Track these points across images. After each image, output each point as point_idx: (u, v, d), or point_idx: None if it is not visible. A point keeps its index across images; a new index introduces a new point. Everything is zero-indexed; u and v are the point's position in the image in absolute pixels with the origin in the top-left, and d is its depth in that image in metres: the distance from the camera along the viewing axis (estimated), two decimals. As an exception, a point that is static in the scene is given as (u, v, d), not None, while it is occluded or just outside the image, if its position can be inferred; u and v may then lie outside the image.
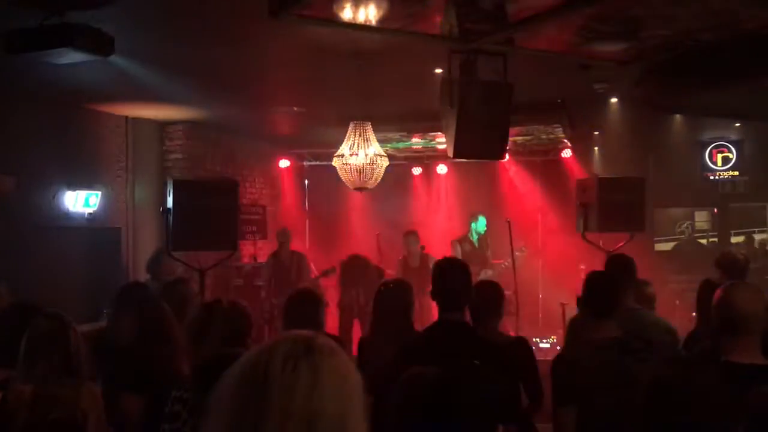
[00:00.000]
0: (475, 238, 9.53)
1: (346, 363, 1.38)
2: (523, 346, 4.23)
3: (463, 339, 3.47)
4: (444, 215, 11.88)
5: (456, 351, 3.32)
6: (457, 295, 3.52)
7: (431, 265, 8.43)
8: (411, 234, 9.33)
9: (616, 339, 3.57)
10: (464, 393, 2.19)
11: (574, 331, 4.14)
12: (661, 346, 3.89)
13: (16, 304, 3.74)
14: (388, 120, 8.78)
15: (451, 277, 3.55)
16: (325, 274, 9.17)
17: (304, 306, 4.05)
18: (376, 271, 8.72)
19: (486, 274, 8.87)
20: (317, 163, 11.69)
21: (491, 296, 4.36)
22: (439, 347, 3.33)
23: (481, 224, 9.57)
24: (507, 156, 9.20)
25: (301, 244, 9.99)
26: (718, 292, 2.95)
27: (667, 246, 11.99)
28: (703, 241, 12.03)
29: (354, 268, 8.85)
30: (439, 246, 9.61)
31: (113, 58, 5.19)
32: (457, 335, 3.47)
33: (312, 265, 9.46)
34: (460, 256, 8.98)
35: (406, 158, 11.72)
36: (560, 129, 10.02)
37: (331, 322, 7.69)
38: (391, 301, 4.58)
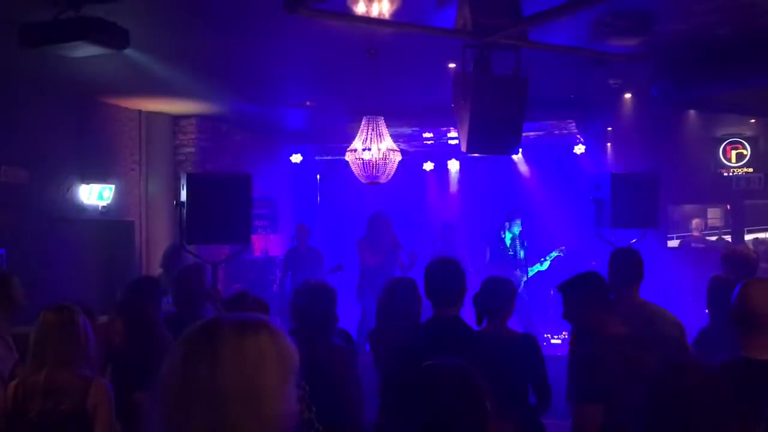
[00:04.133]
0: (508, 237, 9.11)
1: (256, 342, 1.42)
2: (530, 343, 4.22)
3: (455, 335, 3.47)
4: (456, 211, 11.86)
5: (447, 347, 3.32)
6: (450, 292, 3.52)
7: None
8: (448, 228, 9.17)
9: (627, 335, 3.53)
10: (445, 391, 2.17)
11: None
12: (667, 340, 3.86)
13: None
14: (401, 115, 8.77)
15: (443, 274, 3.56)
16: (332, 270, 9.13)
17: (314, 298, 4.05)
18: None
19: (515, 275, 8.69)
20: (329, 157, 11.68)
21: (502, 293, 4.36)
22: (431, 343, 3.33)
23: (516, 228, 9.10)
24: (520, 151, 9.08)
25: (312, 238, 10.00)
26: (738, 289, 2.91)
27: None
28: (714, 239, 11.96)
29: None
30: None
31: (128, 51, 5.22)
32: (449, 331, 3.47)
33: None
34: (488, 256, 8.92)
35: (418, 153, 11.70)
36: (573, 124, 9.99)
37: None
38: (396, 297, 4.59)
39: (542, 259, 9.09)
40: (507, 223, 9.05)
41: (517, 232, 9.05)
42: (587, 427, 3.24)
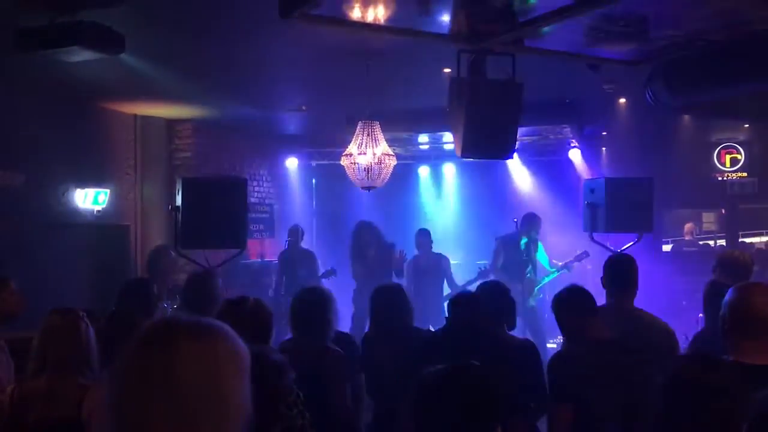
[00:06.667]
0: (524, 240, 8.77)
1: (212, 342, 1.44)
2: (531, 349, 4.23)
3: (473, 337, 3.52)
4: (450, 215, 11.88)
5: (466, 349, 3.35)
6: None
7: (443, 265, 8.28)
8: (423, 232, 9.07)
9: (612, 339, 3.60)
10: (469, 392, 2.19)
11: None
12: (657, 348, 3.88)
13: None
14: (396, 119, 8.77)
15: None
16: (325, 275, 9.10)
17: (312, 305, 4.06)
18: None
19: (529, 279, 8.61)
20: (325, 162, 11.68)
21: (498, 298, 4.37)
22: (450, 345, 3.38)
23: (533, 233, 8.82)
24: (515, 156, 9.03)
25: (308, 242, 10.00)
26: (732, 292, 2.91)
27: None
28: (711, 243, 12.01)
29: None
30: (446, 245, 9.58)
31: (123, 56, 5.22)
32: (467, 333, 3.52)
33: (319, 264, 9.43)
34: (502, 257, 8.87)
35: (413, 157, 11.72)
36: (568, 129, 10.03)
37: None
38: (384, 302, 4.61)
39: (561, 267, 9.05)
40: (525, 227, 8.79)
41: (534, 237, 8.86)
42: (557, 425, 3.31)
